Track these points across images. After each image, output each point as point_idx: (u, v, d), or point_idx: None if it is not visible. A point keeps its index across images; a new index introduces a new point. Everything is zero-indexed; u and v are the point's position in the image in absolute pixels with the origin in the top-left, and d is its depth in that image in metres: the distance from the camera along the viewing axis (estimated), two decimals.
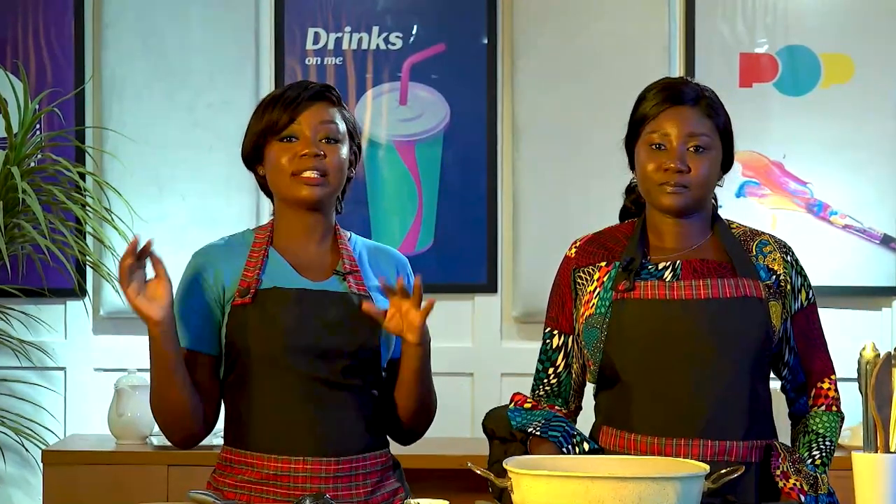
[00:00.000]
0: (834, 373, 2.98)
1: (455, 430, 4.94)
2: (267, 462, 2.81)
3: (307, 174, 2.82)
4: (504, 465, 2.44)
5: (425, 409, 2.96)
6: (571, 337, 2.96)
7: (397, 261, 3.01)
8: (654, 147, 2.87)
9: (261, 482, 2.81)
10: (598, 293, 2.89)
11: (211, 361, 2.89)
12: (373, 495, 2.86)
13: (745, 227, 2.99)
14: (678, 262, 2.88)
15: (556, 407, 2.97)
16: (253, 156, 2.92)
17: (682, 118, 2.86)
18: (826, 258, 4.79)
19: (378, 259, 2.97)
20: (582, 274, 2.94)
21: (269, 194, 2.97)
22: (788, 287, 2.91)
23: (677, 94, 2.88)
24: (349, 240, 2.96)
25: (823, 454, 2.89)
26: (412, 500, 2.62)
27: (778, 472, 2.82)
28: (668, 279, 2.86)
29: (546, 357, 2.99)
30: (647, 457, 2.75)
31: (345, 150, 2.87)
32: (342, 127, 2.88)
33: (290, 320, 2.80)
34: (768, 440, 2.87)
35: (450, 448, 4.54)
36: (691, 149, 2.84)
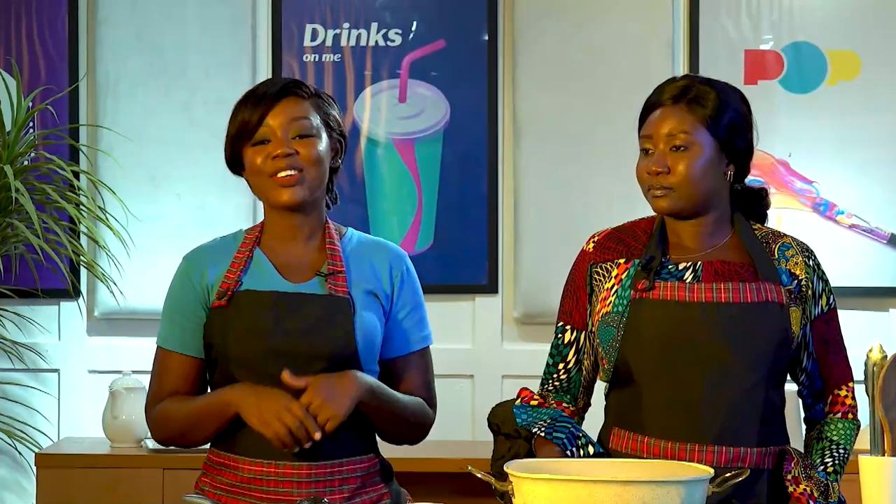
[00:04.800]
0: (852, 380, 2.94)
1: (455, 432, 4.92)
2: (243, 465, 2.80)
3: (283, 174, 2.80)
4: (505, 468, 2.41)
5: (407, 433, 2.94)
6: (584, 333, 2.93)
7: (392, 255, 2.95)
8: (643, 152, 2.87)
9: (239, 485, 2.80)
10: (616, 291, 2.86)
11: (200, 366, 2.88)
12: (351, 500, 2.82)
13: (768, 228, 2.96)
14: (699, 263, 2.85)
15: (564, 404, 2.95)
16: (234, 162, 2.90)
17: (663, 119, 2.84)
18: (832, 258, 4.72)
19: (372, 255, 2.93)
20: (599, 270, 2.91)
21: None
22: (809, 292, 2.88)
23: (663, 95, 2.87)
24: (345, 236, 2.93)
25: (836, 462, 2.87)
26: None
27: (789, 477, 2.79)
28: (688, 280, 2.83)
29: (557, 352, 2.96)
30: (651, 460, 2.72)
31: (322, 144, 2.84)
32: (315, 121, 2.84)
33: (263, 324, 2.78)
34: (781, 446, 2.84)
35: (450, 451, 4.53)
36: (673, 148, 2.82)
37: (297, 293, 2.81)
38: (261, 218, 2.95)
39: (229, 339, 2.78)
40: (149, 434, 4.63)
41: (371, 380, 2.81)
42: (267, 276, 2.83)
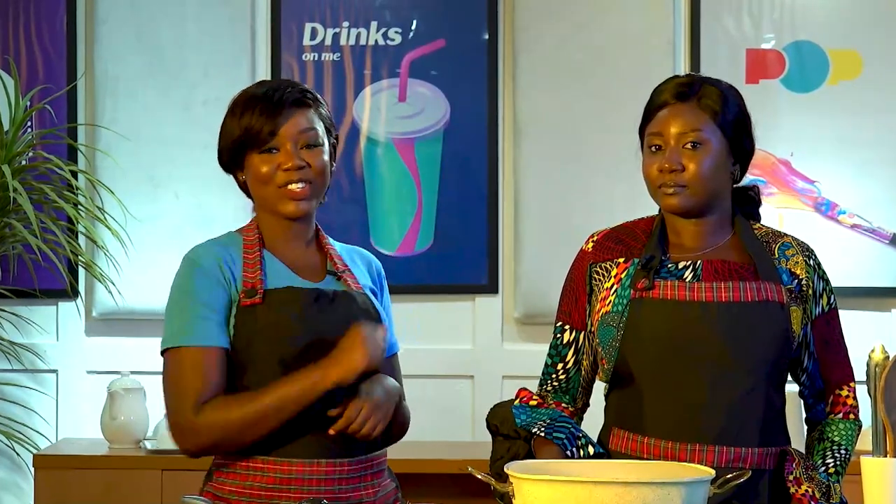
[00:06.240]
0: (853, 380, 2.93)
1: (455, 433, 4.90)
2: (279, 466, 2.73)
3: (293, 187, 2.78)
4: (505, 469, 2.39)
5: (400, 434, 2.94)
6: (583, 333, 2.92)
7: (371, 260, 2.98)
8: (652, 149, 2.85)
9: (272, 487, 2.73)
10: (616, 290, 2.85)
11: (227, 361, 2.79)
12: (377, 495, 2.81)
13: (768, 227, 2.95)
14: (699, 262, 2.84)
15: (563, 405, 2.94)
16: (231, 163, 2.86)
17: (675, 116, 2.82)
18: (834, 258, 4.71)
19: (354, 259, 2.94)
20: (599, 269, 2.90)
21: (250, 196, 2.90)
22: (810, 292, 2.87)
23: (671, 92, 2.85)
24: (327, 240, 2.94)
25: (838, 462, 2.86)
26: None
27: (791, 478, 2.78)
28: (688, 279, 2.82)
29: (556, 352, 2.95)
30: (652, 461, 2.70)
31: (326, 153, 2.84)
32: (320, 129, 2.84)
33: (303, 320, 2.74)
34: (782, 446, 2.83)
35: (450, 451, 4.50)
36: (687, 146, 2.81)
37: (331, 290, 2.79)
38: None
39: (262, 337, 2.72)
40: (147, 434, 4.63)
41: (394, 382, 2.82)
42: (285, 276, 2.80)
